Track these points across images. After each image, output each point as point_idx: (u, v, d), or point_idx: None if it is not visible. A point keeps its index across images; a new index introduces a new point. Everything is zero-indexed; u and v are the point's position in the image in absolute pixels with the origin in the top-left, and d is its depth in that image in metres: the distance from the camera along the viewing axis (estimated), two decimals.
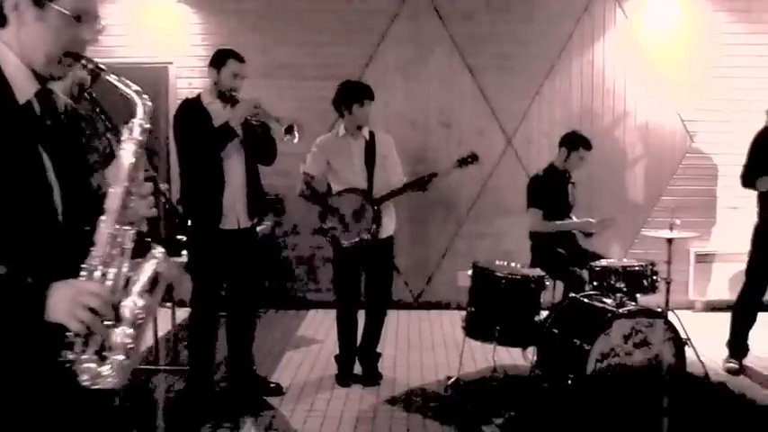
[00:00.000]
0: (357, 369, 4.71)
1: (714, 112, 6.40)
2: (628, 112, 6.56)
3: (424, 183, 4.57)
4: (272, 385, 4.45)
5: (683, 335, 4.11)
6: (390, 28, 6.44)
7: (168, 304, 4.96)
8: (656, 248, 5.87)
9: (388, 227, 4.63)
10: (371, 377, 4.65)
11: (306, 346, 5.46)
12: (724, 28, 6.42)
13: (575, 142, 5.13)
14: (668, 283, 4.78)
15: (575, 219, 5.24)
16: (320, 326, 5.96)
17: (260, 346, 4.47)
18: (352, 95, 4.50)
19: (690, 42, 6.47)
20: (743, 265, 5.01)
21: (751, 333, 4.91)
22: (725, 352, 4.94)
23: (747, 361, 4.90)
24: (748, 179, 4.83)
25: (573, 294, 4.53)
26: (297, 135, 4.05)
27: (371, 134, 4.61)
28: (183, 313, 4.91)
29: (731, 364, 4.85)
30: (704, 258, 6.53)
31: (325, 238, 4.65)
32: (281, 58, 6.40)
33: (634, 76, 6.50)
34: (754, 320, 4.92)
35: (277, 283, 6.52)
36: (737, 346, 4.91)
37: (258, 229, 4.68)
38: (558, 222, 5.10)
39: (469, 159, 4.66)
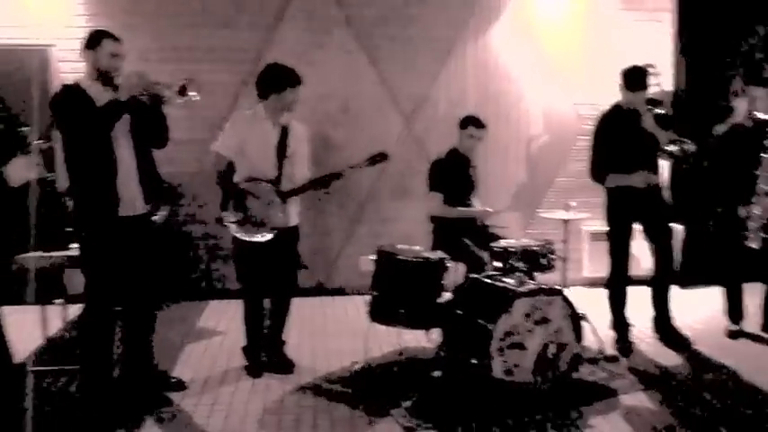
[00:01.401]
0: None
1: (604, 95, 6.59)
2: (522, 96, 6.72)
3: (332, 180, 4.48)
4: (173, 380, 4.29)
5: (579, 311, 4.24)
6: (286, 10, 6.30)
7: (59, 300, 4.69)
8: (552, 228, 6.08)
9: (293, 216, 4.54)
10: (284, 365, 4.58)
11: (207, 338, 5.30)
12: (611, 13, 6.67)
13: (465, 121, 5.21)
14: (564, 262, 4.93)
15: (475, 203, 5.33)
16: (221, 317, 5.81)
17: (158, 340, 4.28)
18: (284, 79, 4.37)
19: (581, 28, 6.70)
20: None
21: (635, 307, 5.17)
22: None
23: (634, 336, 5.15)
24: (598, 174, 4.95)
25: (474, 275, 4.60)
26: (194, 92, 3.85)
27: (288, 123, 4.49)
28: (75, 310, 4.65)
29: (619, 344, 5.03)
30: (597, 237, 6.77)
31: (231, 229, 4.42)
32: (171, 41, 6.15)
33: (527, 61, 6.66)
34: (625, 297, 5.14)
35: (176, 273, 6.30)
36: (619, 325, 5.13)
37: (155, 217, 4.47)
38: (458, 209, 5.17)
39: (378, 158, 4.60)
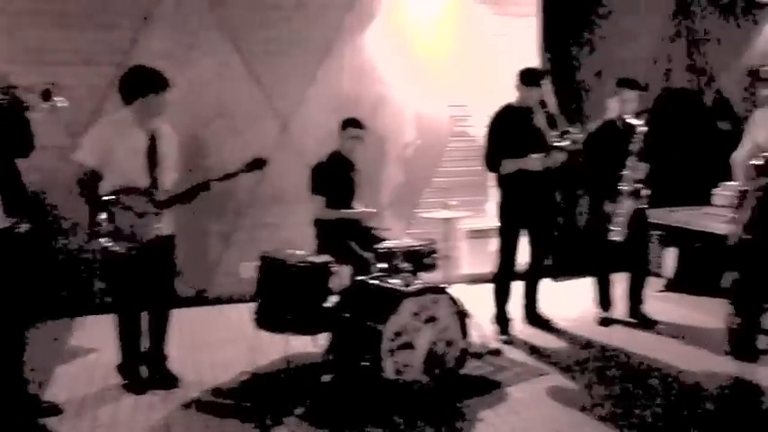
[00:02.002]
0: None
1: (475, 97, 6.84)
2: (397, 99, 6.80)
3: (208, 186, 4.36)
4: (45, 405, 4.01)
5: (464, 308, 4.34)
6: (155, 10, 6.05)
7: None
8: (431, 228, 6.20)
9: (168, 224, 4.35)
10: (168, 380, 4.38)
11: (81, 357, 5.00)
12: (482, 18, 6.89)
13: (345, 123, 5.24)
14: (447, 260, 5.04)
15: (357, 206, 5.34)
16: (94, 333, 5.48)
17: (26, 362, 3.98)
18: (150, 82, 4.17)
19: (453, 32, 6.86)
20: None
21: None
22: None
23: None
24: (492, 162, 5.20)
25: (361, 277, 4.61)
26: (60, 98, 3.63)
27: (157, 128, 4.29)
28: None
29: (503, 337, 5.26)
30: (475, 234, 6.99)
31: (102, 241, 4.12)
32: (28, 42, 5.75)
33: (402, 62, 6.75)
34: (509, 294, 5.41)
35: (43, 289, 5.87)
36: (501, 319, 5.38)
37: (17, 230, 4.14)
38: (341, 211, 5.17)
39: (257, 164, 4.48)
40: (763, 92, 4.59)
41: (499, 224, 5.37)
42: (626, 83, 5.30)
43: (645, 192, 5.14)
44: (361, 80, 6.66)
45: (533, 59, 6.89)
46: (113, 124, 4.22)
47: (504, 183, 5.30)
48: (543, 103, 5.25)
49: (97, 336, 5.38)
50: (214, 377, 4.55)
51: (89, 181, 4.13)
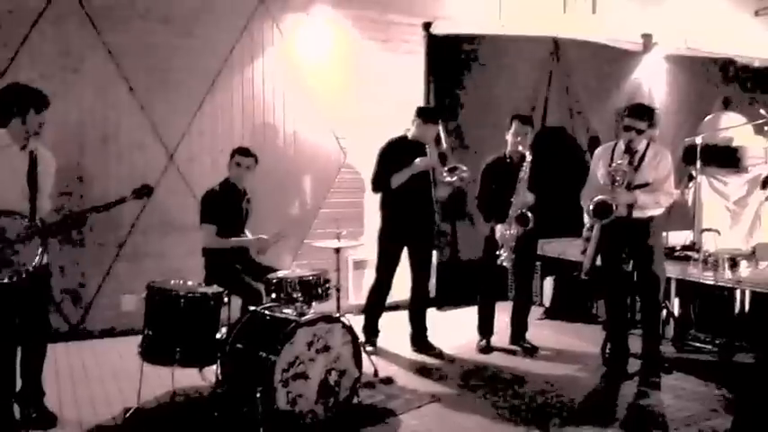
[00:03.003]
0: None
1: (362, 129, 6.96)
2: (287, 130, 6.82)
3: (95, 212, 4.20)
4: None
5: (358, 337, 4.38)
6: (34, 28, 5.78)
7: None
8: (319, 257, 6.23)
9: (43, 253, 4.12)
10: (46, 419, 4.12)
11: None
12: (370, 54, 7.06)
13: (232, 152, 5.25)
14: (338, 290, 5.06)
15: (249, 234, 5.29)
16: None
17: None
18: (28, 100, 3.94)
19: (341, 65, 6.98)
20: None
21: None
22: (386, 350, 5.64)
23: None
24: (379, 183, 5.50)
25: (253, 307, 4.55)
26: None
27: (35, 149, 4.06)
28: None
29: (368, 348, 5.51)
30: (359, 265, 7.07)
31: None
32: None
33: (292, 94, 6.79)
34: (383, 308, 5.75)
35: None
36: (370, 329, 5.72)
37: None
38: (232, 239, 5.10)
39: (145, 191, 4.37)
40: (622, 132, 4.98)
41: (379, 241, 5.61)
42: (517, 117, 5.60)
43: (530, 216, 5.40)
44: (252, 109, 6.64)
45: (420, 93, 7.13)
46: None
47: (386, 202, 5.59)
48: (437, 140, 5.51)
49: None
50: (95, 413, 4.33)
51: None
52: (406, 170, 5.37)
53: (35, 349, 4.18)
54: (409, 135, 5.53)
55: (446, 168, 5.36)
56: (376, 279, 5.69)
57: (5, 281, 3.81)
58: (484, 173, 5.70)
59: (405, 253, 5.71)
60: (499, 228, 5.48)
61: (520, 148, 5.51)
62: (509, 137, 5.58)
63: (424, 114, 5.50)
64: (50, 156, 4.22)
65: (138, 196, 4.35)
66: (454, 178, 5.32)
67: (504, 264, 5.47)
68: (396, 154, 5.48)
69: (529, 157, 5.44)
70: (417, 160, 5.34)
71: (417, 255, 5.64)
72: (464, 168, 5.39)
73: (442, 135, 6.00)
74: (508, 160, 5.61)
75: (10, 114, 3.95)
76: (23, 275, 3.86)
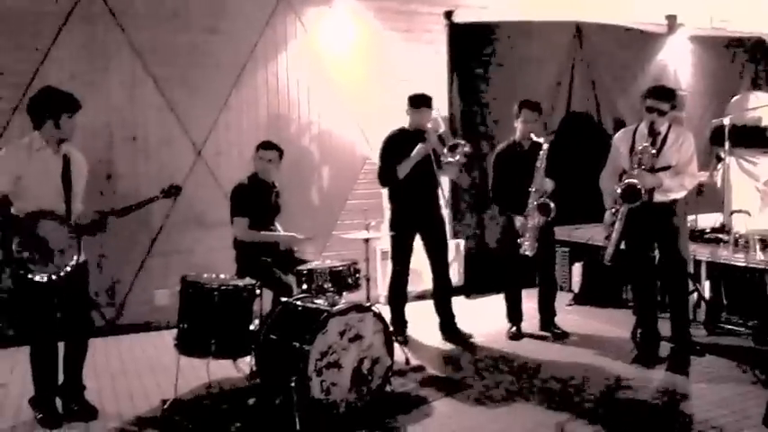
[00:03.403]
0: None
1: (386, 120, 6.97)
2: (312, 122, 6.87)
3: (130, 211, 4.30)
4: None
5: (389, 325, 4.43)
6: (62, 31, 5.88)
7: None
8: (347, 249, 6.27)
9: (82, 251, 4.22)
10: (88, 411, 4.22)
11: None
12: (393, 44, 7.08)
13: (257, 146, 5.29)
14: (368, 280, 5.10)
15: (279, 227, 5.35)
16: (1, 367, 5.23)
17: None
18: (60, 104, 4.03)
19: (363, 56, 7.01)
20: None
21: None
22: (416, 339, 5.68)
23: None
24: (386, 175, 5.56)
25: (285, 299, 4.61)
26: None
27: (68, 152, 4.16)
28: None
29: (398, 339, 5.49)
30: (386, 255, 7.09)
31: (13, 270, 3.97)
32: None
33: (316, 87, 6.84)
34: (405, 298, 5.78)
35: None
36: (398, 321, 5.68)
37: None
38: (264, 233, 5.16)
39: (173, 191, 4.49)
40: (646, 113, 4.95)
41: (391, 231, 5.64)
42: (525, 104, 5.59)
43: (552, 206, 5.40)
44: (277, 103, 6.69)
45: (443, 83, 7.13)
46: (23, 149, 4.06)
47: (393, 195, 5.70)
48: (434, 124, 5.56)
49: (4, 370, 5.14)
50: (134, 407, 4.43)
51: (0, 208, 3.96)
52: (408, 159, 5.40)
53: (77, 345, 4.29)
54: (406, 125, 5.58)
55: (446, 148, 5.37)
56: (393, 270, 5.75)
57: (45, 280, 3.92)
58: (495, 162, 5.71)
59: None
60: (519, 219, 5.49)
61: (531, 135, 5.51)
62: (518, 124, 5.58)
63: (413, 102, 5.56)
64: (82, 158, 4.32)
65: (167, 195, 4.45)
66: (457, 157, 5.32)
67: (527, 253, 5.47)
68: (397, 146, 5.52)
69: (546, 146, 5.42)
70: (418, 146, 5.37)
71: (430, 242, 5.73)
72: (463, 142, 5.42)
73: (439, 118, 6.00)
74: (518, 148, 5.61)
75: (43, 118, 4.04)
76: (62, 275, 3.97)
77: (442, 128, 6.75)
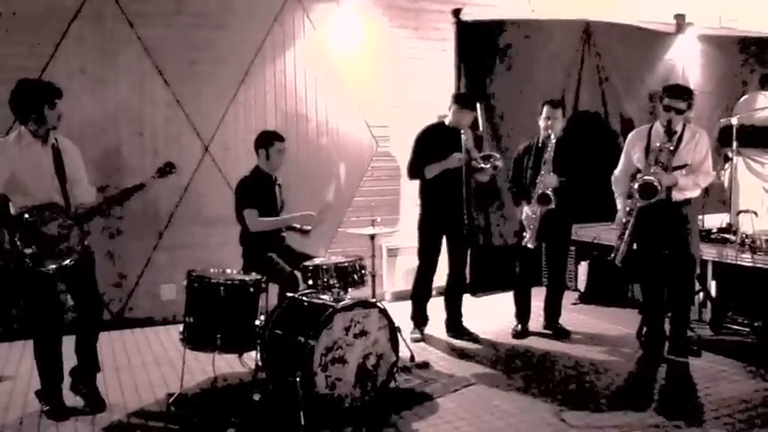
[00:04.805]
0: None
1: (395, 118, 7.01)
2: (319, 119, 6.88)
3: (126, 196, 4.36)
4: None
5: (394, 322, 4.43)
6: (71, 26, 5.91)
7: None
8: (353, 245, 6.29)
9: (82, 240, 4.23)
10: (96, 404, 4.26)
11: None
12: (400, 42, 7.08)
13: (269, 139, 5.25)
14: (374, 277, 5.12)
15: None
16: (6, 360, 5.26)
17: None
18: (40, 96, 4.02)
19: (371, 53, 7.02)
20: None
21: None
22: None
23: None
24: (415, 171, 5.55)
25: (291, 294, 4.62)
26: None
27: (56, 141, 4.17)
28: None
29: (415, 335, 5.66)
30: (392, 252, 7.13)
31: (21, 264, 3.97)
32: None
33: (323, 84, 6.85)
34: (429, 295, 5.77)
35: None
36: (419, 316, 5.72)
37: None
38: (276, 219, 5.17)
39: (168, 169, 4.50)
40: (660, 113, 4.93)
41: (419, 230, 5.65)
42: (548, 102, 5.62)
43: (553, 197, 5.39)
44: (285, 100, 6.70)
45: (450, 81, 7.12)
46: (9, 143, 4.06)
47: (424, 190, 5.63)
48: (475, 125, 5.54)
49: (11, 363, 5.18)
50: (139, 400, 4.45)
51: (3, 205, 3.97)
52: (439, 164, 5.36)
53: (89, 326, 4.34)
54: (446, 121, 5.55)
55: (481, 155, 5.37)
56: (419, 266, 5.73)
57: (51, 272, 3.97)
58: (516, 159, 5.76)
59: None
60: (525, 209, 5.51)
61: (549, 132, 5.51)
62: (541, 122, 5.58)
63: (460, 100, 5.52)
64: (70, 144, 4.31)
65: (162, 174, 4.47)
66: (488, 165, 5.33)
67: (528, 245, 5.48)
68: (432, 141, 5.51)
69: (553, 139, 5.44)
70: (454, 155, 5.31)
71: (453, 243, 5.67)
72: (497, 156, 5.40)
73: (480, 119, 6.01)
74: (540, 145, 5.62)
75: (26, 112, 4.04)
76: (68, 263, 4.02)
77: (482, 129, 6.76)
